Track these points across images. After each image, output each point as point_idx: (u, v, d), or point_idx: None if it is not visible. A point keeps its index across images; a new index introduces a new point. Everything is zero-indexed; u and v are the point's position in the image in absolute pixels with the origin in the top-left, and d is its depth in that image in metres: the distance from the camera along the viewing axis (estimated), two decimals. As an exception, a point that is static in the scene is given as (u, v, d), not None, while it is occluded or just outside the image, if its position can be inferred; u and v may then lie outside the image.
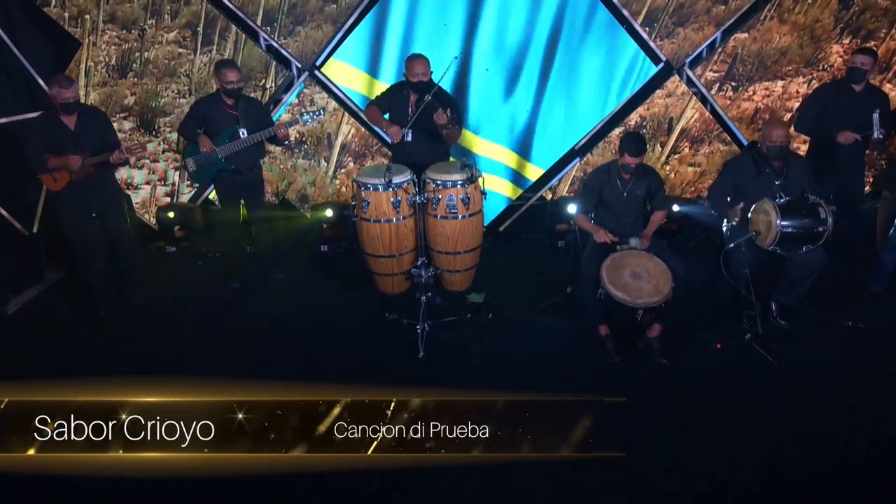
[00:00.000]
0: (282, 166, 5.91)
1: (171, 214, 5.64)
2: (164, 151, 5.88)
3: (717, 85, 5.73)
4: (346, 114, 5.71)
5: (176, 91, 5.70)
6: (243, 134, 4.51)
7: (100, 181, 4.34)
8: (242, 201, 4.87)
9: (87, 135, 4.24)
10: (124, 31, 5.54)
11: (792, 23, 5.52)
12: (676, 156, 5.91)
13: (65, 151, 4.17)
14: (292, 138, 5.67)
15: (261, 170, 4.90)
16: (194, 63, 5.63)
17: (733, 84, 5.74)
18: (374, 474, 3.03)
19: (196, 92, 5.65)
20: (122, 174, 5.48)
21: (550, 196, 5.95)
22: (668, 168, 5.92)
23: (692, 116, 5.80)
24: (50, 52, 5.34)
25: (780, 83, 5.73)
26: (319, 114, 4.78)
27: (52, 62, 5.32)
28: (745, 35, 5.58)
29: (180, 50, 5.62)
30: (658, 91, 5.70)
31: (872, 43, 5.50)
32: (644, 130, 5.77)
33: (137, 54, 5.60)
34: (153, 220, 5.78)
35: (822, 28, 5.55)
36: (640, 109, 5.76)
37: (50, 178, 4.26)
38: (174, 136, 5.75)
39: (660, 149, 5.90)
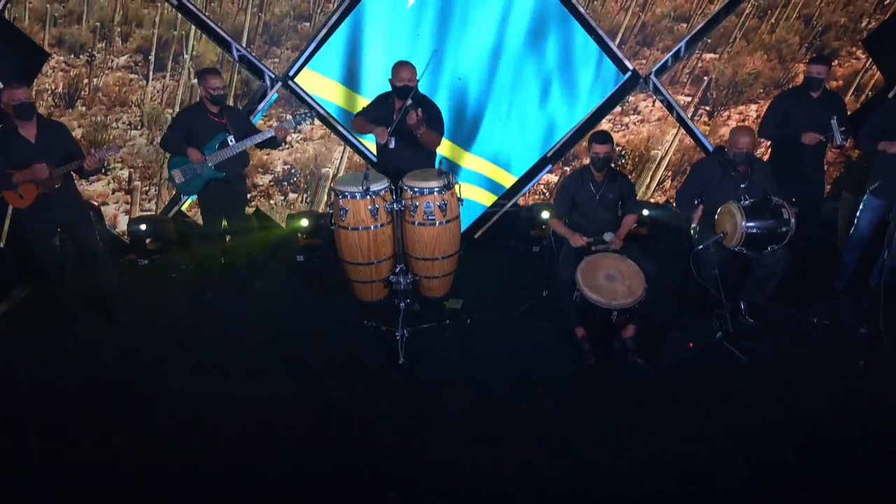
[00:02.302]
0: (273, 202, 5.82)
1: (143, 227, 5.56)
2: (113, 192, 5.62)
3: (693, 110, 5.89)
4: (347, 147, 5.71)
5: (127, 122, 5.46)
6: (232, 141, 4.47)
7: (65, 195, 4.21)
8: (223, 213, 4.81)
9: (48, 147, 4.08)
10: (72, 56, 5.26)
11: (759, 43, 5.68)
12: (661, 187, 6.05)
13: (26, 166, 4.00)
14: (278, 170, 5.65)
15: (245, 178, 4.89)
16: (146, 91, 5.39)
17: (708, 109, 5.91)
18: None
19: (148, 124, 5.44)
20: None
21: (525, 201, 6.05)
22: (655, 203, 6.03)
23: (671, 146, 5.93)
24: (16, 62, 5.21)
25: (753, 107, 5.88)
26: (310, 115, 4.76)
27: (18, 73, 5.20)
28: (714, 56, 5.72)
29: (131, 76, 5.37)
30: (633, 116, 5.84)
31: (836, 62, 5.72)
32: (623, 161, 5.92)
33: (86, 81, 5.30)
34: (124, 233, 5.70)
35: (789, 48, 5.73)
36: (618, 137, 5.87)
37: (15, 195, 4.09)
38: (124, 173, 5.55)
39: (644, 182, 6.03)
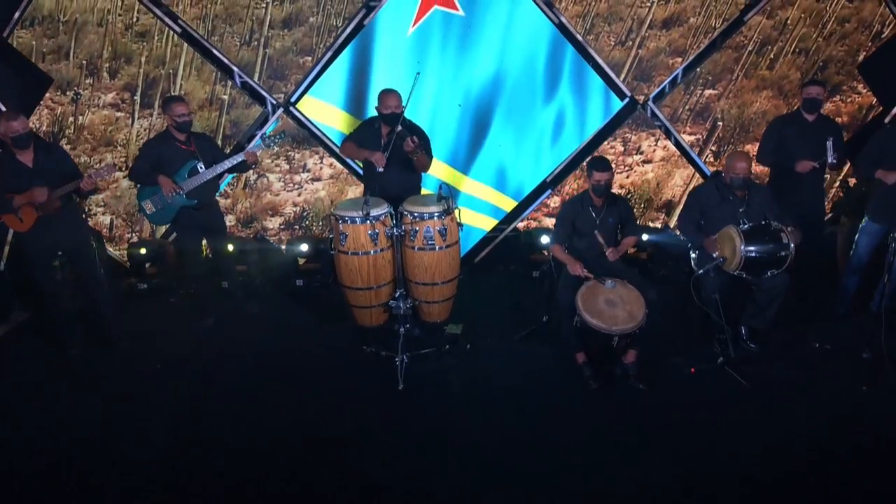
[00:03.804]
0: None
1: (143, 251, 5.57)
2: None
3: (698, 150, 5.94)
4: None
5: (111, 163, 5.28)
6: (202, 168, 4.47)
7: (65, 218, 4.19)
8: (205, 239, 4.81)
9: (46, 170, 4.07)
10: (58, 93, 5.18)
11: (759, 79, 5.74)
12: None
13: (25, 190, 4.00)
14: (288, 212, 5.66)
15: (218, 204, 4.89)
16: (132, 131, 5.30)
17: (714, 149, 5.95)
18: None
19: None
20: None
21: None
22: None
23: (678, 187, 5.98)
24: (19, 87, 5.23)
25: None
26: (281, 137, 4.75)
27: (21, 98, 5.22)
28: (714, 92, 5.78)
29: (118, 114, 5.28)
30: (637, 156, 5.88)
31: (838, 97, 5.78)
32: (631, 203, 5.93)
33: (71, 119, 5.19)
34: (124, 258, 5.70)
35: (790, 83, 5.79)
36: (622, 179, 5.91)
37: (15, 218, 4.08)
38: (107, 219, 5.51)
39: (653, 225, 6.04)
